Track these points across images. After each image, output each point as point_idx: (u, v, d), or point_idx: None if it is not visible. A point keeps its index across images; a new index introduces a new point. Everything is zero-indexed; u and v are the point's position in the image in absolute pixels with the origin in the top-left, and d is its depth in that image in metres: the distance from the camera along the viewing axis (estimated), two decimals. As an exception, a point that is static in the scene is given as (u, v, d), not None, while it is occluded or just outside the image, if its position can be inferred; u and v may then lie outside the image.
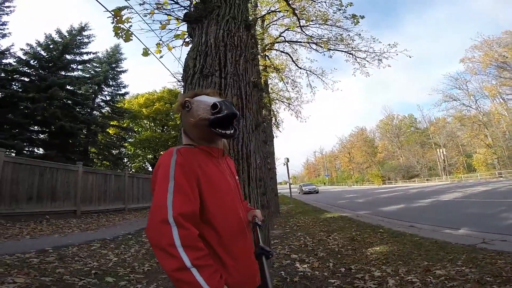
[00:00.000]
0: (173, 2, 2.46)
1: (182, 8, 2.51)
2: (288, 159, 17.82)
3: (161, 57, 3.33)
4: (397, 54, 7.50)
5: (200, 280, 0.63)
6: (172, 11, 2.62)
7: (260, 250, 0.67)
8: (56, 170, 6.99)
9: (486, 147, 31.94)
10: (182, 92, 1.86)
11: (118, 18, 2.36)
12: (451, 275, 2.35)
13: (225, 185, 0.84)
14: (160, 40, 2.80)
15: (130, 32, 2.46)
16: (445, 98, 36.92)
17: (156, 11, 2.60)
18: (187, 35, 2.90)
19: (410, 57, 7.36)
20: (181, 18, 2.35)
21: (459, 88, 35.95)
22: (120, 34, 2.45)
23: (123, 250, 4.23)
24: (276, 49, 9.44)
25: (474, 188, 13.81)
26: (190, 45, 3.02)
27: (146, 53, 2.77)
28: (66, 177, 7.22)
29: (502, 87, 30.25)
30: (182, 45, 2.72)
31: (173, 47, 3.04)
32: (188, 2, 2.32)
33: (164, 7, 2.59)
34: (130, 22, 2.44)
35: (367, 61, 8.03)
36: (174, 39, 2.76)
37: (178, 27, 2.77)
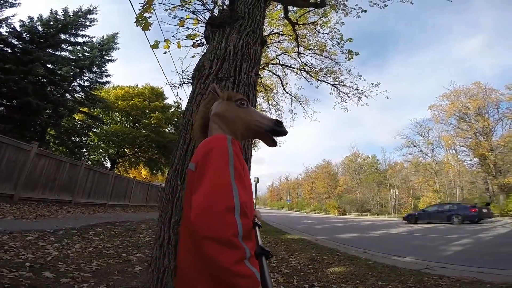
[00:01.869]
0: (200, 4, 2.54)
1: (203, 10, 2.59)
2: (257, 179, 17.93)
3: (165, 53, 3.30)
4: (377, 94, 7.73)
5: (255, 271, 0.61)
6: (195, 11, 2.70)
7: (260, 250, 0.64)
8: (5, 145, 6.00)
9: (433, 192, 35.56)
10: (194, 90, 1.89)
11: (147, 6, 2.36)
12: (402, 294, 2.56)
13: (250, 184, 0.90)
14: (173, 36, 2.81)
15: (150, 22, 2.45)
16: (407, 143, 39.81)
17: (178, 7, 2.65)
18: (199, 38, 2.96)
19: (388, 98, 7.61)
20: (204, 20, 2.42)
21: (421, 135, 38.91)
22: (141, 22, 2.43)
23: (65, 245, 3.70)
24: (269, 70, 9.58)
25: (418, 224, 15.23)
26: (200, 47, 3.09)
27: (156, 45, 2.76)
28: (15, 156, 6.23)
29: (458, 138, 32.66)
30: (191, 46, 2.77)
31: (183, 46, 3.05)
32: (212, 5, 2.42)
33: (187, 6, 2.65)
34: (152, 12, 2.45)
35: (349, 96, 8.29)
36: (185, 38, 2.79)
37: (195, 28, 2.83)
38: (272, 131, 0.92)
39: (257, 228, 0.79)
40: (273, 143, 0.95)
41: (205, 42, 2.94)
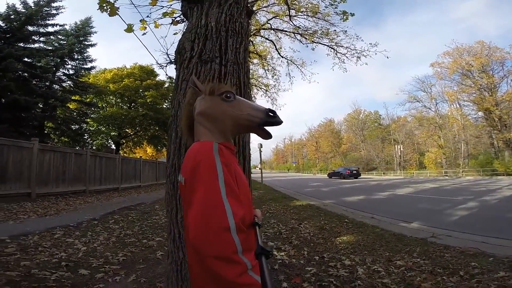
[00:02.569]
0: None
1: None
2: (261, 145, 18.20)
3: (143, 34, 3.04)
4: (375, 54, 7.68)
5: (258, 279, 0.64)
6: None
7: (260, 250, 0.67)
8: (7, 147, 6.09)
9: (438, 147, 36.01)
10: (178, 75, 1.71)
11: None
12: (409, 266, 2.72)
13: (246, 185, 0.85)
14: (148, 16, 2.52)
15: (116, 6, 2.16)
16: (409, 98, 39.90)
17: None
18: (178, 14, 2.67)
19: (388, 57, 7.63)
20: None
21: (423, 90, 38.82)
22: (105, 7, 2.15)
23: (90, 238, 3.96)
24: (261, 36, 9.19)
25: (424, 184, 15.73)
26: (180, 24, 2.80)
27: (130, 29, 2.48)
28: (19, 155, 6.35)
29: (462, 93, 32.99)
30: (170, 24, 2.49)
31: (162, 24, 2.77)
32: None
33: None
34: (116, -6, 2.15)
35: (347, 57, 8.19)
36: (161, 16, 2.51)
37: (171, 5, 2.52)
38: (266, 123, 0.85)
39: (257, 227, 0.79)
40: (267, 136, 0.87)
41: (184, 19, 2.67)
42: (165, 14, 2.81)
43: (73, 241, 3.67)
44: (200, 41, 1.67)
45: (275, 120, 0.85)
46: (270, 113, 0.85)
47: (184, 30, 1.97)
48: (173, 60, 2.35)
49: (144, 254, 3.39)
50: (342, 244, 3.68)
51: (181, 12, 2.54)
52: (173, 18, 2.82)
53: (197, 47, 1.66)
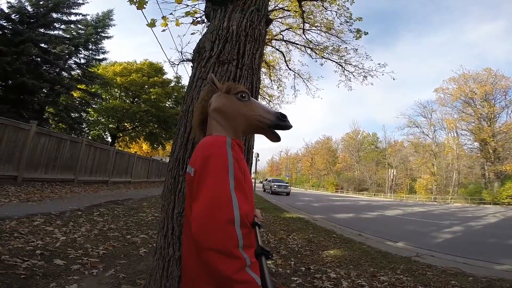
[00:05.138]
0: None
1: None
2: (258, 154, 18.17)
3: (163, 31, 3.10)
4: (383, 74, 7.54)
5: (255, 277, 0.64)
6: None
7: (260, 250, 0.66)
8: (4, 126, 5.96)
9: (430, 174, 36.45)
10: (194, 74, 1.76)
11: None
12: (392, 282, 2.72)
13: (251, 183, 0.88)
14: (171, 13, 2.61)
15: (145, 0, 2.23)
16: (409, 123, 40.28)
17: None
18: (200, 15, 2.75)
19: (394, 79, 7.46)
20: None
21: (424, 116, 39.25)
22: (135, 0, 2.22)
23: (72, 228, 3.81)
24: (272, 46, 9.23)
25: (413, 207, 15.83)
26: (198, 25, 2.88)
27: (153, 24, 2.57)
28: (14, 136, 6.20)
29: (461, 121, 33.00)
30: (190, 23, 2.57)
31: (182, 23, 2.85)
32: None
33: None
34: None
35: (353, 75, 8.11)
36: (183, 15, 2.59)
37: (195, 5, 2.61)
38: (276, 126, 0.88)
39: (257, 228, 0.80)
40: (276, 139, 0.90)
41: (205, 20, 2.74)
42: (187, 13, 2.89)
43: (52, 230, 3.52)
44: (220, 43, 1.73)
45: (285, 124, 0.88)
46: (281, 117, 0.88)
47: (203, 31, 2.04)
48: (185, 59, 2.41)
49: (126, 249, 3.29)
50: (328, 258, 3.68)
51: (202, 13, 2.63)
52: (194, 18, 2.90)
53: (217, 48, 1.72)
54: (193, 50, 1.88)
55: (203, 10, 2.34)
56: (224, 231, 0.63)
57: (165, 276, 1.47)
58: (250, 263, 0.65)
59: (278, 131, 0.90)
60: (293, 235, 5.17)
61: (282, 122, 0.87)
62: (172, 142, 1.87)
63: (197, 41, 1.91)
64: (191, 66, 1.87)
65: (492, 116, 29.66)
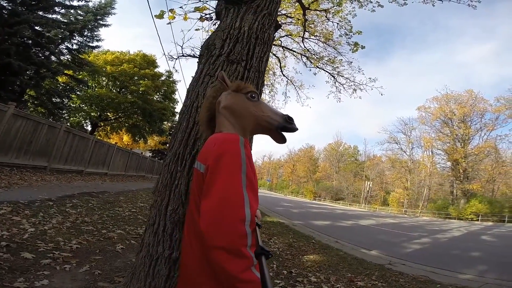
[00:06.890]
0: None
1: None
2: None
3: (168, 23, 3.04)
4: (372, 89, 7.69)
5: (259, 276, 0.63)
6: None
7: (260, 250, 0.66)
8: None
9: (404, 188, 38.25)
10: (201, 70, 1.73)
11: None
12: (368, 287, 2.83)
13: (257, 181, 0.89)
14: (181, 7, 2.57)
15: None
16: (389, 139, 41.73)
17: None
18: (209, 12, 2.73)
19: (382, 94, 7.70)
20: None
21: (404, 133, 40.71)
22: None
23: (42, 219, 3.54)
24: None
25: (385, 218, 16.61)
26: (207, 22, 2.87)
27: (161, 15, 2.53)
28: None
29: (437, 141, 34.33)
30: (198, 19, 2.55)
31: (189, 18, 2.82)
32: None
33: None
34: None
35: (344, 88, 8.28)
36: (193, 10, 2.56)
37: (206, 1, 2.60)
38: (283, 128, 0.89)
39: (257, 228, 0.80)
40: (282, 140, 0.90)
41: (213, 17, 2.72)
42: (196, 9, 2.86)
43: (20, 220, 3.26)
44: (231, 42, 1.73)
45: (291, 126, 0.89)
46: (288, 119, 0.89)
47: (210, 27, 2.03)
48: (185, 54, 2.37)
49: (101, 245, 3.13)
50: (308, 262, 3.77)
51: (211, 10, 2.61)
52: (203, 15, 2.87)
53: (227, 47, 1.72)
54: (202, 46, 1.86)
55: (214, 7, 2.33)
56: (234, 229, 0.62)
57: (151, 275, 1.40)
58: (256, 262, 0.65)
59: (284, 133, 0.91)
60: (274, 239, 5.22)
61: (289, 124, 0.89)
62: (171, 137, 1.83)
63: (201, 38, 1.90)
64: (197, 62, 1.85)
65: (466, 138, 31.15)
